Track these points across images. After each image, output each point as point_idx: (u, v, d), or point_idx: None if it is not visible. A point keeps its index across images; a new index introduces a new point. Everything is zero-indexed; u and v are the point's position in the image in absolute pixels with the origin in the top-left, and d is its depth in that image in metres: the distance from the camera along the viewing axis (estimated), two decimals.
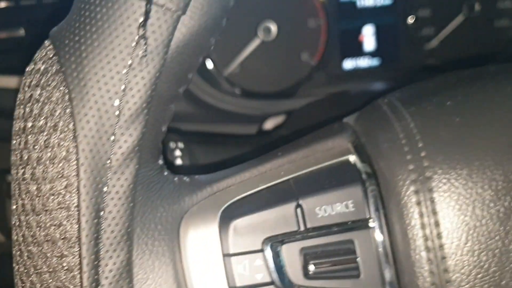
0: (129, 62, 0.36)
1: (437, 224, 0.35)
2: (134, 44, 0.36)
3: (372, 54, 0.94)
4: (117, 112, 0.36)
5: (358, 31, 0.93)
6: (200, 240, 0.40)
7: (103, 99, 0.36)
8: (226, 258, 0.40)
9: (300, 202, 0.39)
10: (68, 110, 0.36)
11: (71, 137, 0.36)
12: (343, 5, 0.92)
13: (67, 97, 0.36)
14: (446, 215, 0.35)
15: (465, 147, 0.36)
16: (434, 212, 0.36)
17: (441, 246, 0.35)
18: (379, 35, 0.94)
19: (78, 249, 0.35)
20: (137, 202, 0.38)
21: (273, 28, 0.88)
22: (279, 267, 0.40)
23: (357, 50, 0.94)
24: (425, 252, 0.35)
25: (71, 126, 0.36)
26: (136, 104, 0.36)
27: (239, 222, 0.40)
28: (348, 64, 0.94)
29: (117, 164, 0.37)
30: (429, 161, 0.36)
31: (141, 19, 0.35)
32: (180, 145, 0.61)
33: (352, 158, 0.41)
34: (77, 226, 0.36)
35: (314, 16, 0.90)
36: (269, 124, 0.86)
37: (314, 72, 0.92)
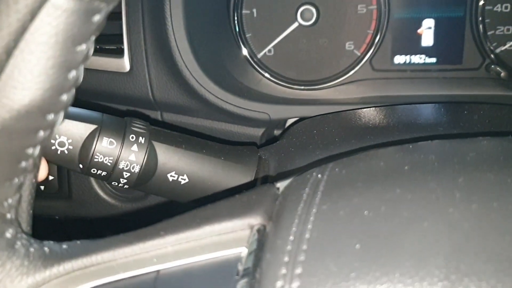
0: None
1: None
2: None
3: (429, 51, 0.81)
4: None
5: (418, 22, 0.81)
6: None
7: None
8: None
9: None
10: None
11: None
12: None
13: None
14: None
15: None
16: None
17: None
18: (441, 29, 0.80)
19: None
20: None
21: (314, 12, 0.80)
22: None
23: (413, 44, 0.82)
24: None
25: None
26: None
27: None
28: (400, 58, 0.83)
29: None
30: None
31: None
32: (141, 139, 0.57)
33: (243, 252, 0.36)
34: None
35: (364, 1, 0.80)
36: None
37: (358, 63, 0.83)
